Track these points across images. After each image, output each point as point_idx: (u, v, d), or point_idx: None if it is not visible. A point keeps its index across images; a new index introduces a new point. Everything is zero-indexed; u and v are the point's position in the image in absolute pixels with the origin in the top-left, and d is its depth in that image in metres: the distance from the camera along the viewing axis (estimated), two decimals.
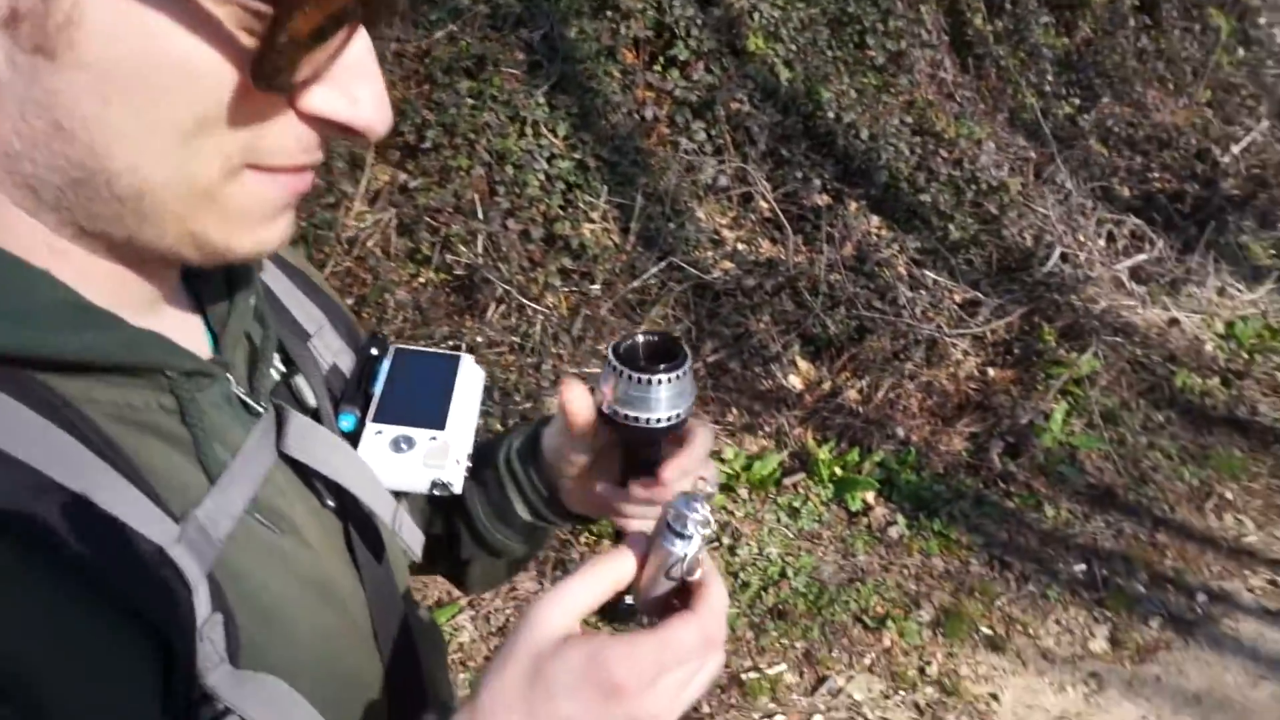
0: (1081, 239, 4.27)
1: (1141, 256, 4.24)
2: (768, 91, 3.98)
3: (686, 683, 0.49)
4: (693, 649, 0.49)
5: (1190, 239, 4.55)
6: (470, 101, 3.50)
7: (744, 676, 2.40)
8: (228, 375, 0.52)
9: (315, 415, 0.58)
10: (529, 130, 3.58)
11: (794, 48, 4.04)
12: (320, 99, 0.42)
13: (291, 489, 0.55)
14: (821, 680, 2.41)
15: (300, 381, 0.59)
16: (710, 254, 3.66)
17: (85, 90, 0.38)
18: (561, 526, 0.76)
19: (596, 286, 3.40)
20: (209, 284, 0.54)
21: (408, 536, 0.61)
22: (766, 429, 3.23)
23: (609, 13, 3.79)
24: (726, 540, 2.82)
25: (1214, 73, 5.90)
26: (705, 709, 2.31)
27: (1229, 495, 3.18)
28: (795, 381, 3.54)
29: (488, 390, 0.76)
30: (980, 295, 3.76)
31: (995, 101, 4.84)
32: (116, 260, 0.45)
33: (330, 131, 0.44)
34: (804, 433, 3.23)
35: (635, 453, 0.64)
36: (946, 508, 2.99)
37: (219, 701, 0.44)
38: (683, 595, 0.52)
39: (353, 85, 0.43)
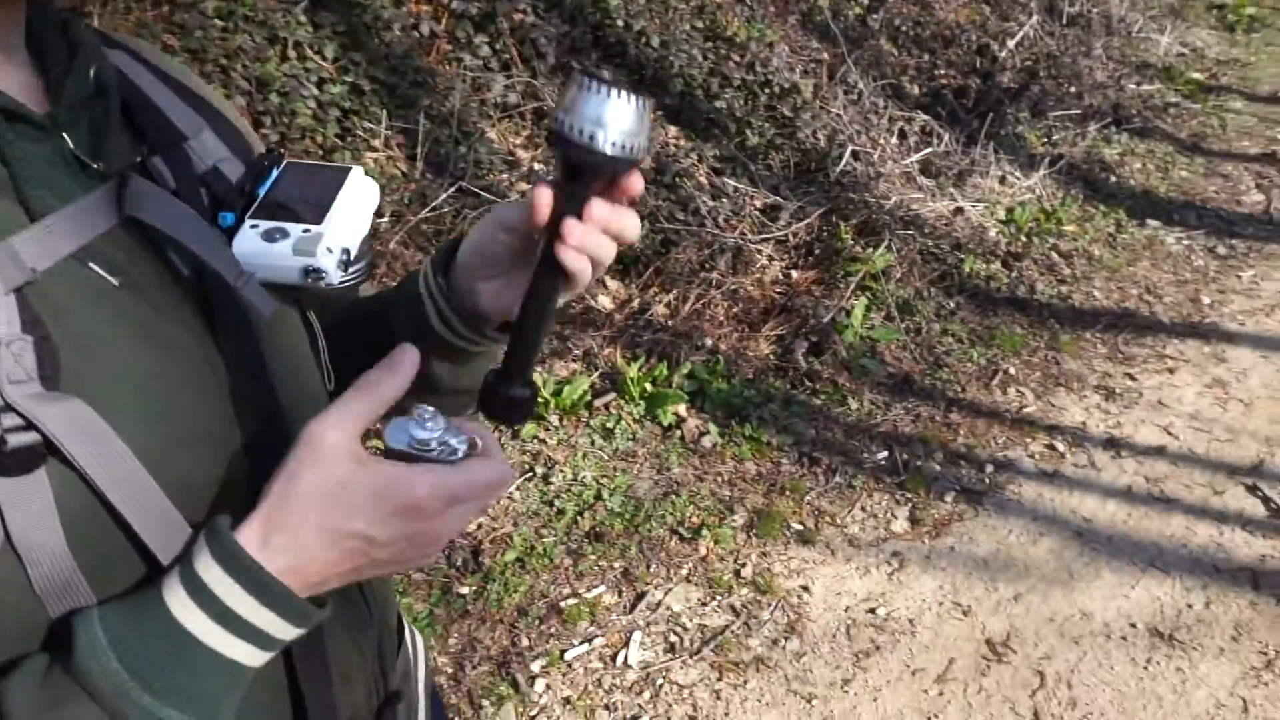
0: (874, 137, 4.37)
1: (929, 150, 4.39)
2: (552, 1, 3.79)
3: (470, 514, 0.57)
4: (485, 488, 0.56)
5: (974, 132, 4.75)
6: (219, 23, 3.15)
7: (562, 604, 2.36)
8: (64, 135, 0.55)
9: (175, 191, 0.60)
10: (292, 53, 3.26)
11: None
12: None
13: (140, 250, 0.57)
14: (640, 596, 2.41)
15: (157, 162, 0.61)
16: (505, 176, 3.50)
17: None
18: (473, 344, 0.74)
19: (384, 219, 3.18)
20: (52, 54, 0.57)
21: (253, 297, 0.59)
22: (575, 352, 3.16)
23: None
24: (540, 469, 2.75)
25: None
26: (525, 641, 2.26)
27: (1011, 370, 3.39)
28: (605, 301, 3.48)
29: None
30: (780, 199, 3.80)
31: (785, 3, 4.83)
32: None
33: None
34: (613, 352, 3.18)
35: (572, 185, 0.60)
36: (757, 412, 3.04)
37: (23, 417, 0.47)
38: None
39: None
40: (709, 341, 3.26)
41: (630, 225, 0.62)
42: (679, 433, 2.95)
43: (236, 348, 0.60)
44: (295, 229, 0.63)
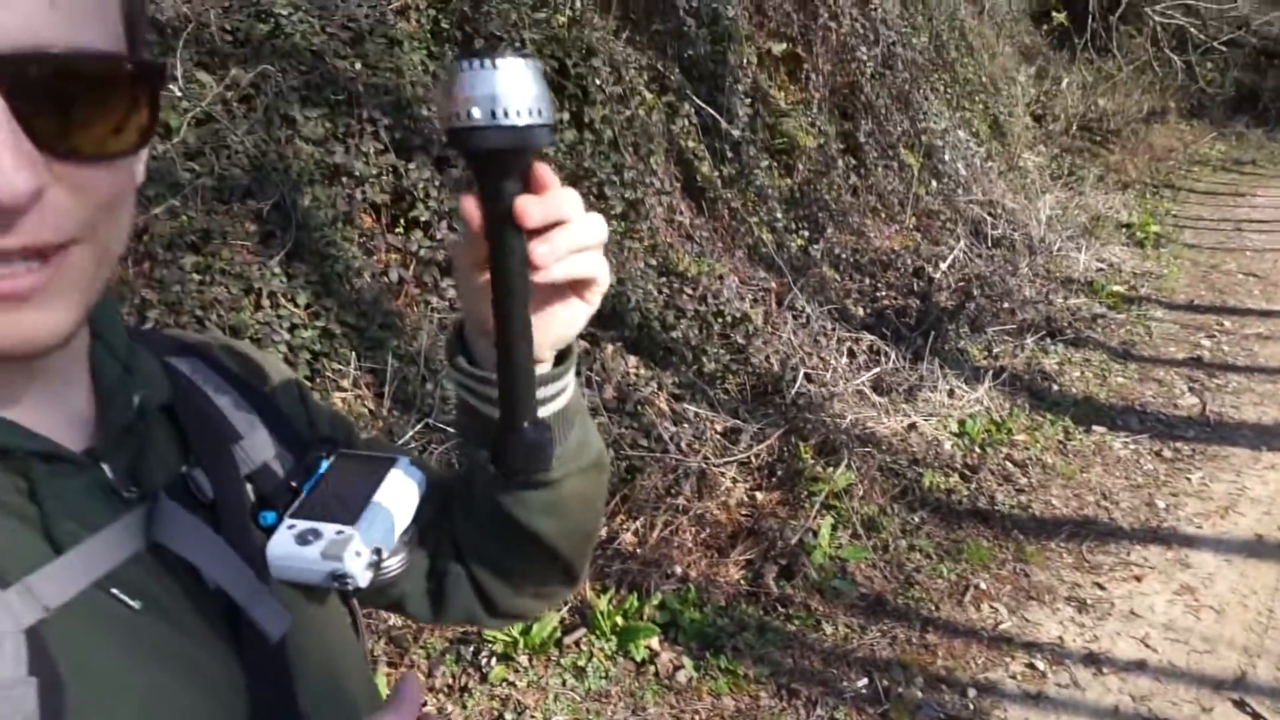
0: (824, 358, 4.59)
1: (878, 369, 4.60)
2: None
3: None
4: None
5: (919, 348, 5.01)
6: (197, 277, 3.29)
7: None
8: (102, 465, 0.57)
9: (212, 507, 0.62)
10: (266, 301, 3.40)
11: None
12: None
13: (165, 572, 0.58)
14: None
15: (197, 474, 0.63)
16: None
17: None
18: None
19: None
20: (108, 382, 0.60)
21: (261, 618, 0.60)
22: None
23: (344, 179, 3.75)
24: (510, 716, 2.62)
25: (916, 202, 6.72)
26: None
27: (982, 585, 3.38)
28: None
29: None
30: (740, 423, 3.90)
31: (732, 238, 5.21)
32: None
33: None
34: (582, 585, 3.12)
35: (492, 180, 0.55)
36: (731, 641, 2.96)
37: None
38: None
39: None
40: (679, 569, 3.23)
41: (572, 201, 0.59)
42: (653, 668, 2.86)
43: (258, 664, 0.60)
44: (329, 530, 0.64)
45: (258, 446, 0.69)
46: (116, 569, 0.55)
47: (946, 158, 7.16)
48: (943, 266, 6.02)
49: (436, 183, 3.91)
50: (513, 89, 0.51)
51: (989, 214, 7.03)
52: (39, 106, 0.45)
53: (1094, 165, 10.11)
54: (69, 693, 0.49)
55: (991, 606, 3.27)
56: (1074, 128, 10.90)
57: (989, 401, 4.67)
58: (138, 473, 0.60)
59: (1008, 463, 4.22)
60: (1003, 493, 3.98)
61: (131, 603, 0.55)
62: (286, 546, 0.64)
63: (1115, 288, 6.70)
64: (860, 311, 5.49)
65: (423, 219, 3.85)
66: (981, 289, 5.92)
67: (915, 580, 3.37)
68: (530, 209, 0.57)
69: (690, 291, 4.37)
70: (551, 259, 0.58)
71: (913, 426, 4.20)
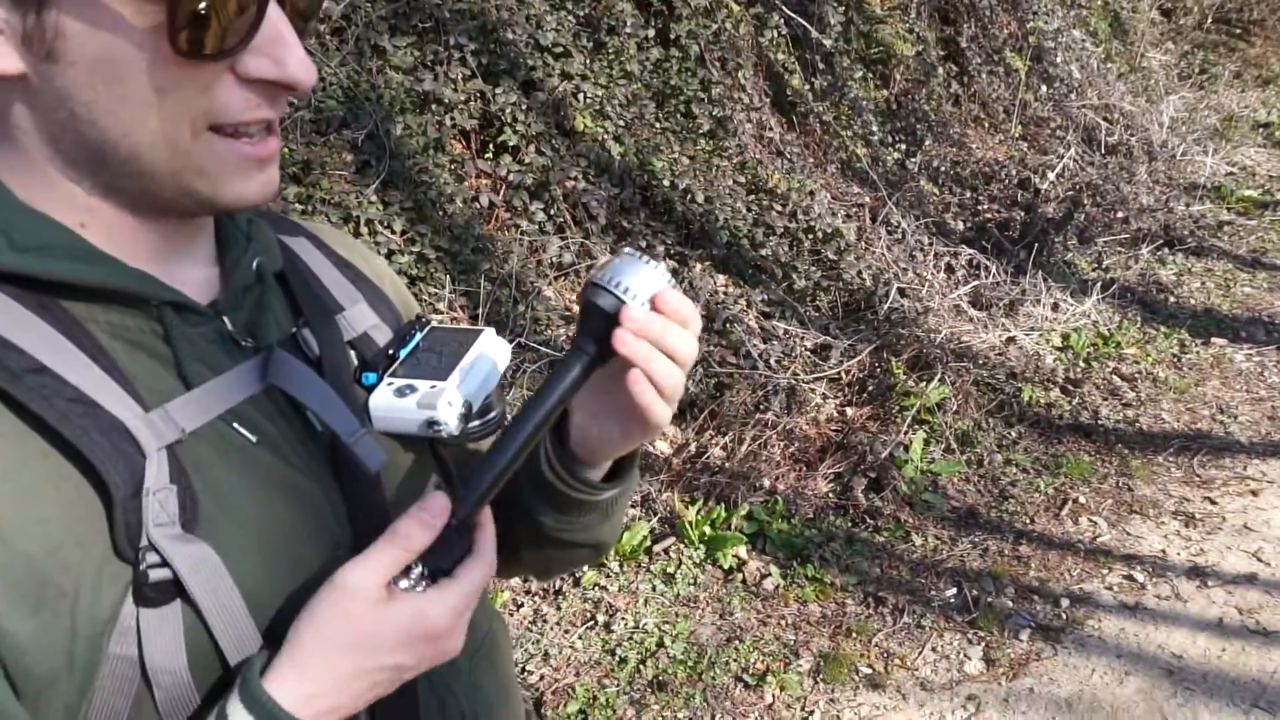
0: (920, 273, 4.47)
1: (976, 283, 4.45)
2: (601, 167, 4.06)
3: (465, 622, 0.64)
4: (480, 587, 0.64)
5: (1022, 262, 4.82)
6: (299, 207, 3.45)
7: None
8: (223, 318, 0.66)
9: (318, 362, 0.70)
10: (364, 229, 3.54)
11: (621, 123, 4.14)
12: (252, 65, 0.57)
13: (278, 412, 0.66)
14: None
15: (306, 333, 0.71)
16: (562, 331, 3.66)
17: (79, 82, 0.55)
18: (569, 487, 0.78)
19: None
20: (232, 248, 0.69)
21: (362, 453, 0.66)
22: (634, 497, 3.20)
23: (433, 106, 3.83)
24: (601, 617, 2.74)
25: (1023, 109, 6.37)
26: None
27: (1082, 499, 3.30)
28: (662, 446, 3.54)
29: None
30: (830, 339, 3.87)
31: (824, 153, 5.07)
32: (138, 216, 0.61)
33: (268, 91, 0.59)
34: (672, 496, 3.21)
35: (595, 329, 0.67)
36: (818, 551, 3.00)
37: (160, 556, 0.55)
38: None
39: (276, 51, 0.57)
40: (766, 482, 3.27)
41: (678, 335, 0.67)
42: (740, 576, 2.93)
43: (358, 496, 0.68)
44: (423, 385, 0.71)
45: (358, 317, 0.77)
46: (237, 407, 0.63)
47: (1058, 60, 6.71)
48: (1050, 176, 5.72)
49: (524, 107, 3.94)
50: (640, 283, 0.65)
51: (1104, 119, 6.60)
52: (296, 6, 0.60)
53: (1230, 61, 9.30)
54: (200, 501, 0.58)
55: (1090, 520, 3.20)
56: (1209, 20, 10.02)
57: (1096, 315, 4.47)
58: (255, 327, 0.68)
59: (1115, 377, 4.06)
60: (1108, 407, 3.84)
61: (249, 436, 0.63)
62: (386, 399, 0.71)
63: (1247, 192, 6.23)
64: (959, 225, 5.29)
65: (510, 144, 3.90)
66: (1092, 198, 5.61)
67: (1010, 494, 3.32)
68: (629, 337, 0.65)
69: (780, 208, 4.30)
70: (649, 383, 0.66)
71: (1011, 340, 4.08)
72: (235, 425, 0.63)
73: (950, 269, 4.68)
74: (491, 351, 0.77)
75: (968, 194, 5.63)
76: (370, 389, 0.72)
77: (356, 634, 0.58)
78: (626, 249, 0.66)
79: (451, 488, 0.74)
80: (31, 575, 0.52)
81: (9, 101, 0.57)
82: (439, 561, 0.63)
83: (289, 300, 0.73)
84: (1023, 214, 5.35)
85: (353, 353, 0.75)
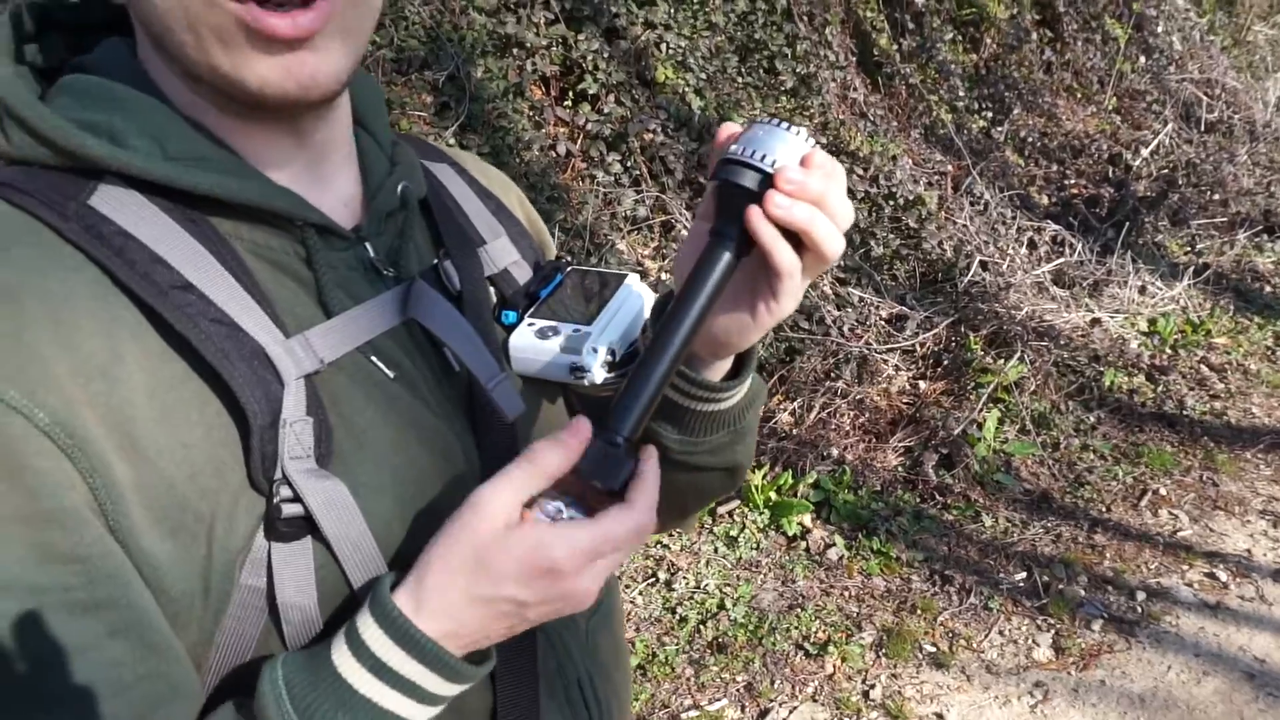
0: (1002, 247, 4.31)
1: (1060, 260, 4.29)
2: (680, 120, 3.98)
3: (612, 565, 0.57)
4: (624, 539, 0.56)
5: (1109, 241, 4.63)
6: None
7: (683, 716, 2.30)
8: (366, 244, 0.63)
9: (459, 297, 0.67)
10: None
11: (703, 76, 4.04)
12: None
13: (417, 348, 0.64)
14: (764, 714, 2.32)
15: (448, 266, 0.68)
16: None
17: None
18: (686, 396, 0.68)
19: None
20: (375, 171, 0.67)
21: (501, 398, 0.64)
22: None
23: (515, 50, 3.77)
24: (663, 575, 2.73)
25: (1119, 81, 6.08)
26: None
27: (1162, 491, 3.18)
28: None
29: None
30: (906, 310, 3.77)
31: (908, 117, 4.91)
32: (235, 119, 0.58)
33: None
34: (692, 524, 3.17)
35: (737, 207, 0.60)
36: (885, 525, 2.95)
37: (292, 490, 0.54)
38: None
39: None
40: (835, 451, 3.21)
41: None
42: (804, 544, 2.89)
43: (492, 442, 0.65)
44: (566, 328, 0.68)
45: (500, 252, 0.73)
46: (376, 339, 0.61)
47: (1160, 30, 6.38)
48: (1144, 152, 5.47)
49: (605, 55, 3.86)
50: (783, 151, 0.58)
51: (1205, 94, 6.27)
52: None
53: None
54: (336, 436, 0.56)
55: (1171, 513, 3.09)
56: None
57: (1186, 300, 4.28)
58: (397, 255, 0.65)
59: (1203, 366, 3.89)
60: (1194, 397, 3.69)
61: (387, 371, 0.61)
62: (528, 339, 0.68)
63: None
64: (1045, 199, 5.10)
65: (590, 92, 3.83)
66: (1188, 178, 5.35)
67: (1086, 480, 3.21)
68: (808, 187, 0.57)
69: (861, 172, 4.17)
70: (794, 198, 0.57)
71: (1095, 322, 3.93)
72: (373, 358, 0.61)
73: (1033, 244, 4.52)
74: (635, 298, 0.73)
75: (1055, 167, 5.42)
76: (510, 328, 0.70)
77: (476, 555, 0.53)
78: (760, 119, 0.59)
79: None
80: (172, 498, 0.52)
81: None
82: (609, 481, 0.56)
83: (431, 229, 0.70)
84: (1112, 191, 5.12)
85: (492, 289, 0.72)
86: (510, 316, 0.70)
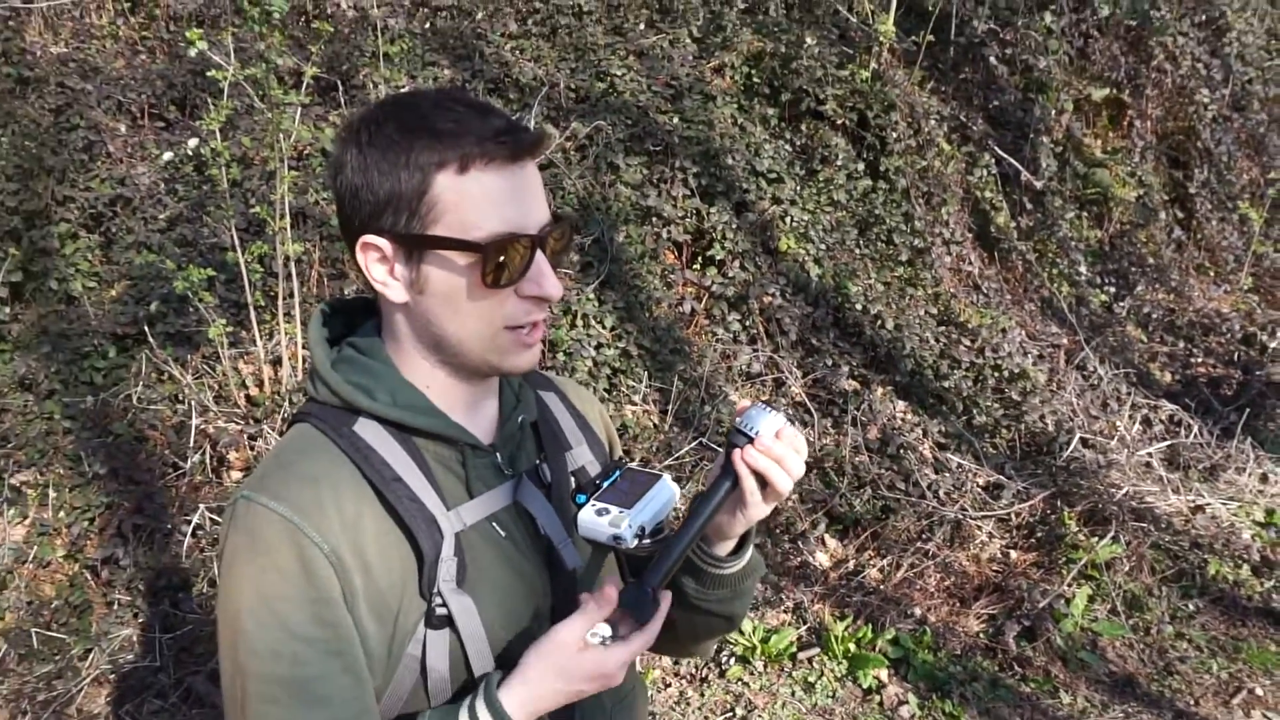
0: (1112, 423, 4.40)
1: (1171, 441, 4.32)
2: (798, 286, 4.37)
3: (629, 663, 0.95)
4: (640, 649, 0.97)
5: (1231, 425, 4.61)
6: None
7: None
8: (497, 454, 1.02)
9: (549, 487, 1.05)
10: (579, 322, 4.02)
11: (823, 247, 4.44)
12: (525, 287, 0.94)
13: (519, 519, 1.02)
14: None
15: (544, 466, 1.07)
16: None
17: (434, 304, 0.94)
18: (705, 563, 1.10)
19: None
20: (505, 403, 1.07)
21: (566, 554, 1.03)
22: (786, 603, 3.40)
23: (653, 219, 4.30)
24: (740, 711, 2.95)
25: (1256, 261, 6.07)
26: None
27: (1259, 691, 3.14)
28: (823, 559, 3.71)
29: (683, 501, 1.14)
30: (1004, 479, 3.91)
31: (1023, 290, 5.12)
32: (457, 378, 1.00)
33: (536, 302, 0.94)
34: (823, 608, 3.38)
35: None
36: (960, 689, 3.06)
37: (442, 600, 0.92)
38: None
39: (539, 279, 0.94)
40: (918, 611, 3.37)
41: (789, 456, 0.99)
42: (878, 698, 3.04)
43: (561, 581, 1.02)
44: (615, 510, 1.01)
45: (580, 454, 1.13)
46: (496, 512, 1.00)
47: None
48: None
49: (734, 225, 4.34)
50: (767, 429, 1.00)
51: None
52: (549, 250, 0.96)
53: None
54: (469, 570, 0.95)
55: (1265, 716, 3.05)
56: None
57: None
58: (514, 460, 1.05)
59: None
60: None
61: (501, 532, 1.00)
62: (589, 516, 1.02)
63: None
64: (1166, 377, 5.13)
65: (718, 258, 4.30)
66: None
67: (1176, 670, 3.22)
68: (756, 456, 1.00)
69: (969, 342, 4.41)
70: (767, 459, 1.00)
71: (1199, 508, 3.93)
72: (494, 524, 1.00)
73: (1148, 422, 4.57)
74: (666, 491, 1.07)
75: (1180, 345, 5.44)
76: (580, 506, 1.05)
77: (562, 668, 0.92)
78: (757, 404, 1.00)
79: (625, 582, 1.09)
80: (380, 598, 0.91)
81: (396, 315, 0.99)
82: (641, 618, 0.97)
83: (537, 440, 1.10)
84: (1241, 373, 5.10)
85: (573, 479, 1.10)
86: (580, 499, 1.04)
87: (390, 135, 0.91)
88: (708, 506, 1.00)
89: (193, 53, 3.17)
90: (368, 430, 0.96)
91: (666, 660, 3.14)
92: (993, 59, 5.32)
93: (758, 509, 1.02)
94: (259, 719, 0.88)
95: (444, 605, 0.92)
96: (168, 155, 4.06)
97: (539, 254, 0.93)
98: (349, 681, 0.89)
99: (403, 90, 4.41)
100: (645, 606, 0.96)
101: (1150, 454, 4.18)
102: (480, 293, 0.92)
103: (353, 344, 1.02)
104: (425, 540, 0.92)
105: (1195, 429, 4.50)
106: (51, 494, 3.05)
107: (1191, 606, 3.50)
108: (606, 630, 0.95)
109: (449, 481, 0.97)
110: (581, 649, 0.92)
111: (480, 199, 0.90)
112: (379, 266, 0.94)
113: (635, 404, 3.91)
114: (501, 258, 0.90)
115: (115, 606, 2.91)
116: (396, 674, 0.94)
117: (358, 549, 0.90)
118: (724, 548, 1.09)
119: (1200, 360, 5.32)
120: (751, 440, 0.99)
